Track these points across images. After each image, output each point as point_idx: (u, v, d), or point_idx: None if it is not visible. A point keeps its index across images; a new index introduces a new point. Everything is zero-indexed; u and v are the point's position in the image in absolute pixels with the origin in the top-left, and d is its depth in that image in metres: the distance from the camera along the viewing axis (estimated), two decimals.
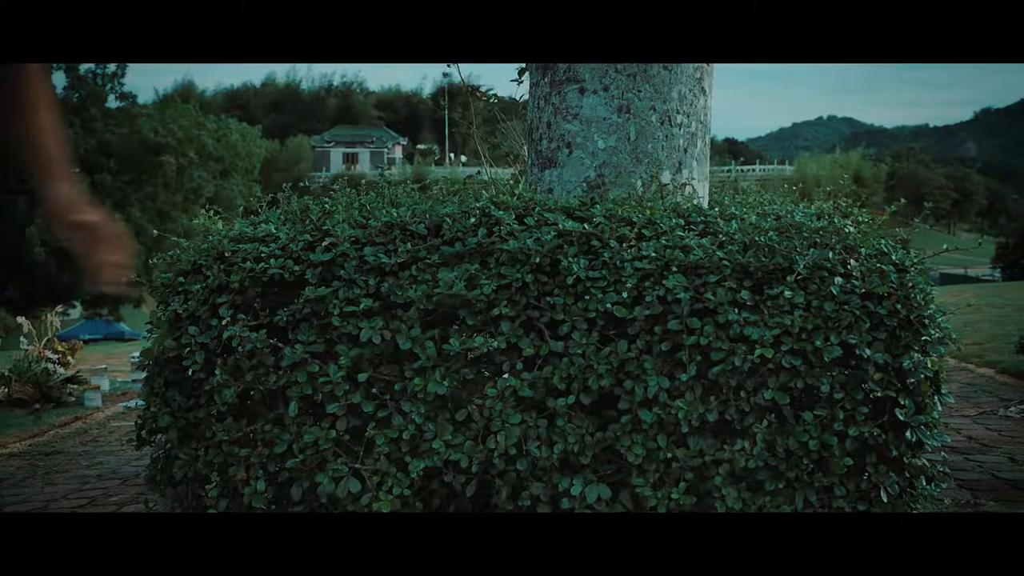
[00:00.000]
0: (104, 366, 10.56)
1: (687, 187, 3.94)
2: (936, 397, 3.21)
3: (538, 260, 3.10)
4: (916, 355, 3.10)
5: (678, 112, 3.88)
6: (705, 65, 4.02)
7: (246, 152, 57.18)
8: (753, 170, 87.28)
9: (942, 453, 3.41)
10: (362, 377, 3.05)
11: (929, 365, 3.14)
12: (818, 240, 3.27)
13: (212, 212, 3.98)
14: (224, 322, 3.21)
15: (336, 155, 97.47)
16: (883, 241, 3.42)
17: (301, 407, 3.12)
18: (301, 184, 4.20)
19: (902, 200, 3.91)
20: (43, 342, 9.49)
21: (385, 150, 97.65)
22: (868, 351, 3.02)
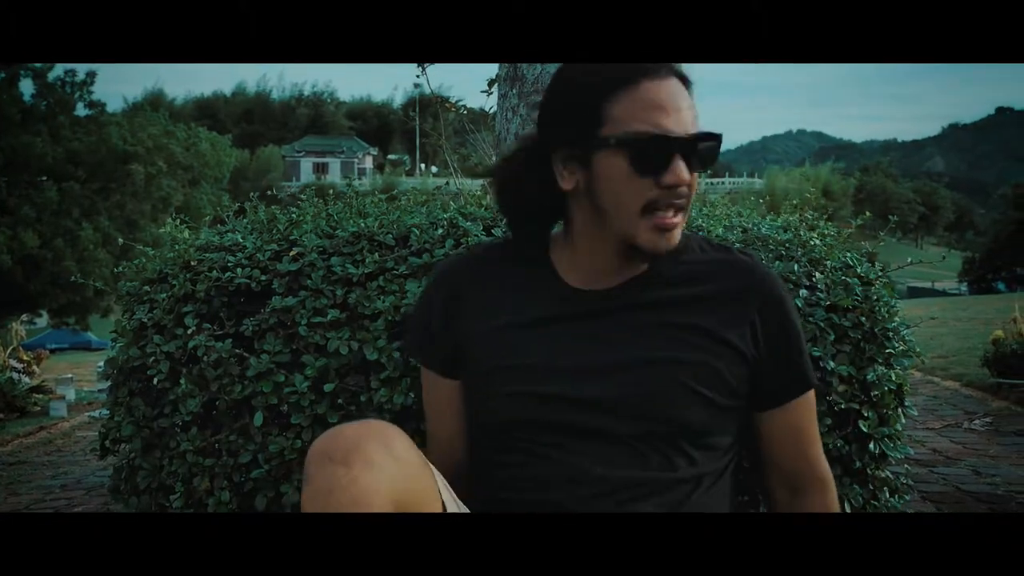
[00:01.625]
0: (70, 375, 10.49)
1: None
2: (900, 409, 3.24)
3: None
4: (880, 368, 3.12)
5: None
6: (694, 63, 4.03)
7: (215, 161, 56.93)
8: (722, 183, 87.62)
9: (906, 465, 3.43)
10: (328, 387, 3.03)
11: (893, 378, 3.16)
12: (784, 252, 3.29)
13: (179, 221, 3.97)
14: (189, 331, 3.20)
15: (306, 165, 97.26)
16: (849, 254, 3.44)
17: (267, 417, 3.10)
18: (269, 193, 4.18)
19: (867, 214, 3.93)
20: (8, 351, 9.41)
21: (355, 160, 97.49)
22: (832, 363, 3.04)
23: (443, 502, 1.82)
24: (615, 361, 1.96)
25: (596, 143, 1.89)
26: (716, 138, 1.89)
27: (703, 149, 1.89)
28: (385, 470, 1.64)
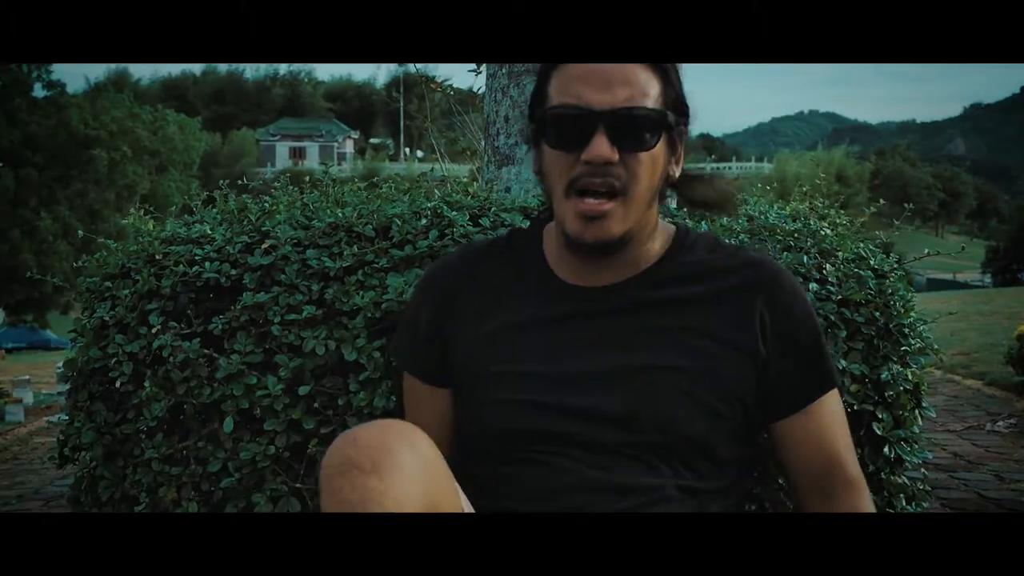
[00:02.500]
0: (27, 377, 10.48)
1: None
2: (917, 411, 3.24)
3: None
4: (895, 366, 3.13)
5: None
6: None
7: (184, 146, 56.94)
8: (729, 168, 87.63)
9: (923, 470, 3.44)
10: (304, 390, 3.03)
11: (909, 377, 3.17)
12: (792, 243, 3.29)
13: (143, 211, 3.95)
14: (154, 330, 3.19)
15: (282, 149, 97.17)
16: (862, 245, 3.45)
17: (237, 422, 3.10)
18: (240, 182, 4.17)
19: (881, 201, 3.93)
20: None
21: (335, 144, 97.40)
22: (844, 361, 3.05)
23: (461, 502, 1.84)
24: (610, 368, 1.96)
25: (535, 120, 1.97)
26: (656, 115, 1.88)
27: (635, 124, 1.86)
28: (417, 476, 1.64)
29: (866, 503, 2.06)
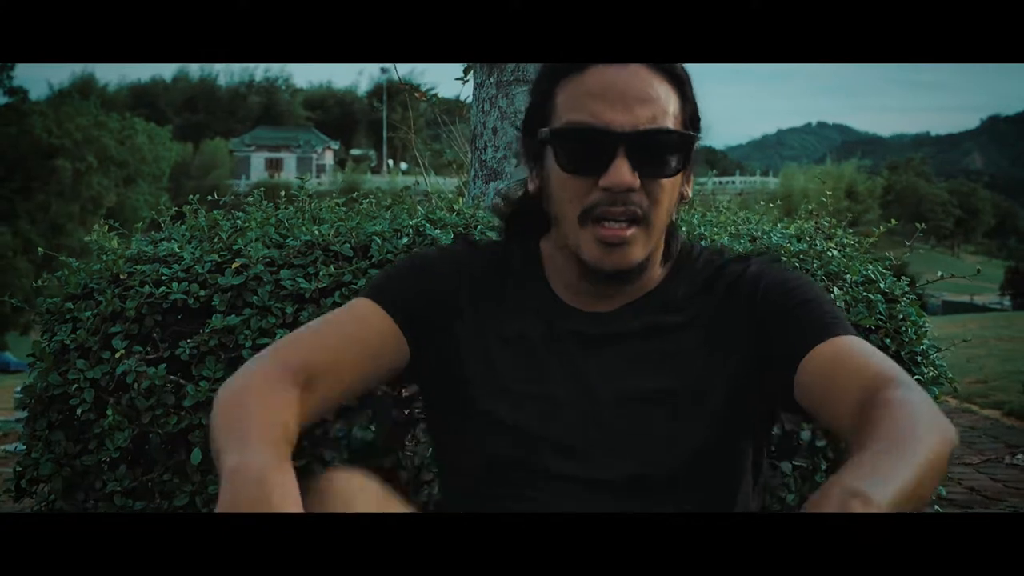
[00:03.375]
0: None
1: None
2: None
3: None
4: None
5: None
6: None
7: (154, 156, 56.92)
8: (732, 182, 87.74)
9: (936, 507, 3.44)
10: None
11: None
12: (798, 265, 3.30)
13: (108, 227, 3.94)
14: (118, 355, 3.18)
15: (258, 160, 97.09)
16: (871, 267, 3.45)
17: (206, 453, 3.09)
18: (211, 197, 4.16)
19: (892, 221, 3.93)
20: None
21: (314, 155, 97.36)
22: None
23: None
24: (605, 398, 1.92)
25: (540, 137, 1.88)
26: (680, 138, 1.81)
27: (658, 148, 1.79)
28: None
29: (918, 393, 1.65)
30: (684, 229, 3.69)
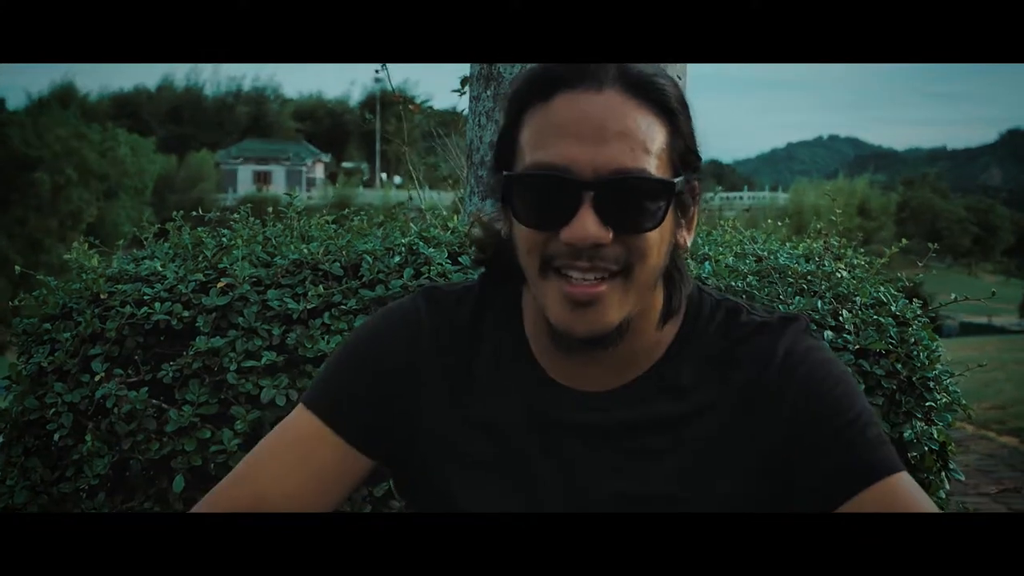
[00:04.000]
0: None
1: None
2: (943, 473, 3.25)
3: None
4: (919, 424, 3.14)
5: None
6: (679, 71, 4.06)
7: (136, 169, 56.94)
8: (740, 198, 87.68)
9: None
10: None
11: (935, 435, 3.18)
12: (805, 287, 3.31)
13: (88, 244, 3.95)
14: (97, 378, 3.19)
15: (245, 174, 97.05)
16: (882, 288, 3.46)
17: (189, 481, 3.09)
18: (195, 212, 4.16)
19: (904, 241, 3.95)
20: None
21: (304, 168, 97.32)
22: None
23: None
24: (594, 498, 1.74)
25: (502, 180, 1.67)
26: (662, 185, 1.59)
27: (634, 197, 1.57)
28: None
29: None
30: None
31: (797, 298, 3.20)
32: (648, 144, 1.58)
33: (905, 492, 1.61)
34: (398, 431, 1.81)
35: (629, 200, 1.57)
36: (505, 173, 1.65)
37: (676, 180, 1.60)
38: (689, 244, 1.74)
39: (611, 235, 1.56)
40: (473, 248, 1.92)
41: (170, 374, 3.15)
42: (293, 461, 1.77)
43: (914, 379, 3.16)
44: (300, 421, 1.81)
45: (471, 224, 1.90)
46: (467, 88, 4.70)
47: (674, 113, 1.63)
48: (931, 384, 3.19)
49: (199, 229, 3.84)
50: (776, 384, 1.70)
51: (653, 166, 1.57)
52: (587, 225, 1.54)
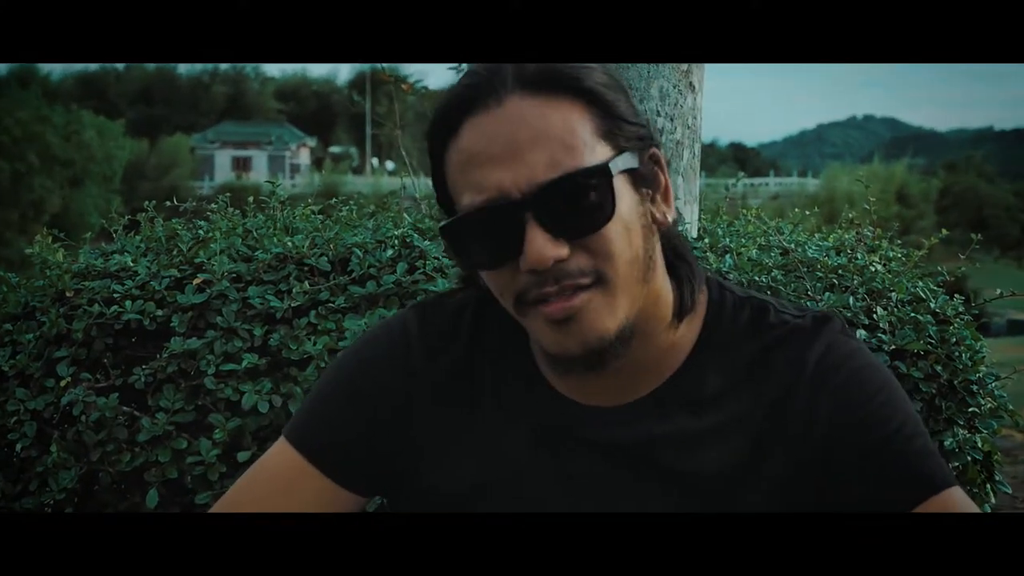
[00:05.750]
0: None
1: None
2: (988, 485, 3.25)
3: None
4: (961, 431, 3.13)
5: (659, 114, 3.91)
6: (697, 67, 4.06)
7: (104, 155, 56.86)
8: (766, 184, 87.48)
9: None
10: (243, 456, 3.03)
11: (979, 444, 3.17)
12: (836, 281, 3.31)
13: (51, 237, 3.95)
14: (63, 383, 3.19)
15: (223, 159, 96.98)
16: (920, 283, 3.45)
17: (163, 495, 3.10)
18: (169, 202, 4.16)
19: (944, 231, 3.90)
20: None
21: (287, 153, 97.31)
22: None
23: None
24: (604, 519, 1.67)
25: (441, 235, 1.68)
26: (599, 173, 1.57)
27: (574, 197, 1.55)
28: None
29: None
30: (707, 240, 3.68)
31: (827, 294, 3.20)
32: (569, 139, 1.56)
33: (957, 511, 1.57)
34: (392, 465, 1.82)
35: (570, 202, 1.55)
36: (440, 225, 1.65)
37: (611, 161, 1.58)
38: (671, 218, 1.71)
39: (567, 248, 1.55)
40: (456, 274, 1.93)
41: (142, 378, 3.15)
42: (275, 499, 1.78)
43: (956, 382, 3.15)
44: (283, 457, 1.82)
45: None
46: (464, 65, 4.70)
47: (592, 92, 1.61)
48: (974, 388, 3.18)
49: (173, 220, 3.84)
50: (807, 399, 1.67)
51: (583, 158, 1.56)
52: (539, 246, 1.53)
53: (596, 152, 1.57)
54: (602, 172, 1.56)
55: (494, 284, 1.64)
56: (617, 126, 1.62)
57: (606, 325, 1.59)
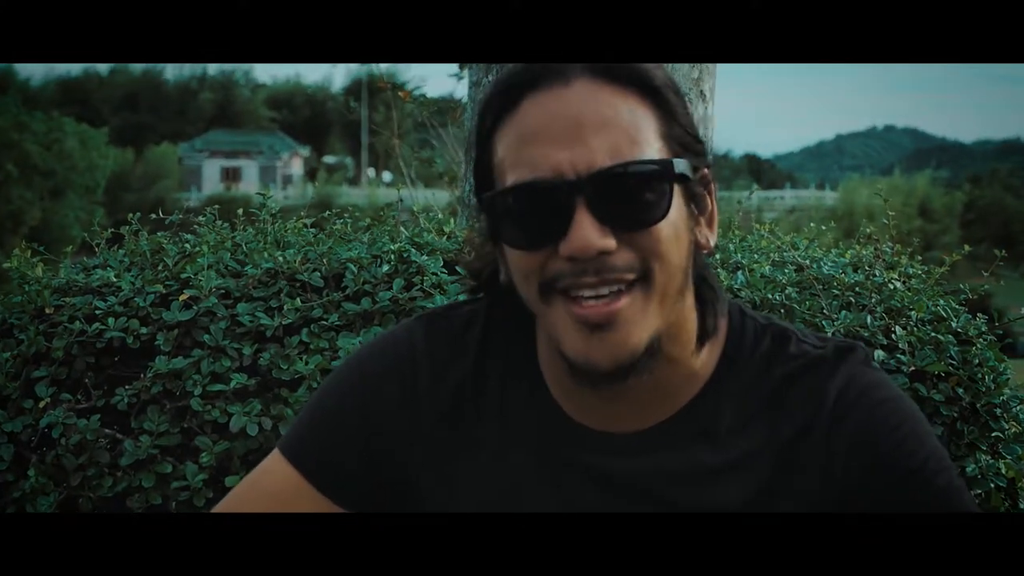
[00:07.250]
0: None
1: None
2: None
3: None
4: (984, 457, 3.13)
5: None
6: (706, 63, 4.07)
7: (86, 164, 56.81)
8: (781, 197, 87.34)
9: None
10: (231, 481, 3.03)
11: (1002, 470, 3.17)
12: (853, 300, 3.31)
13: (30, 250, 3.95)
14: (42, 404, 3.20)
15: (212, 169, 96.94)
16: (941, 302, 3.45)
17: None
18: (154, 215, 4.16)
19: (967, 248, 3.91)
20: None
21: (279, 163, 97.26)
22: None
23: None
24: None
25: (483, 209, 1.68)
26: (663, 168, 1.56)
27: (633, 188, 1.54)
28: None
29: None
30: (718, 256, 3.68)
31: (843, 313, 3.20)
32: (633, 132, 1.56)
33: None
34: (392, 485, 1.81)
35: (626, 193, 1.53)
36: (485, 195, 1.65)
37: (675, 160, 1.58)
38: (713, 244, 1.71)
39: (615, 240, 1.53)
40: (466, 277, 1.91)
41: (125, 399, 3.15)
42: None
43: (978, 405, 3.15)
44: (277, 472, 1.81)
45: (463, 250, 1.86)
46: (466, 72, 4.70)
47: (659, 92, 1.61)
48: (998, 411, 3.18)
49: (158, 234, 3.84)
50: (827, 432, 1.66)
51: (645, 154, 1.55)
52: (586, 232, 1.51)
53: (656, 152, 1.57)
54: (666, 168, 1.56)
55: (522, 266, 1.60)
56: (678, 133, 1.62)
57: (638, 337, 1.56)
